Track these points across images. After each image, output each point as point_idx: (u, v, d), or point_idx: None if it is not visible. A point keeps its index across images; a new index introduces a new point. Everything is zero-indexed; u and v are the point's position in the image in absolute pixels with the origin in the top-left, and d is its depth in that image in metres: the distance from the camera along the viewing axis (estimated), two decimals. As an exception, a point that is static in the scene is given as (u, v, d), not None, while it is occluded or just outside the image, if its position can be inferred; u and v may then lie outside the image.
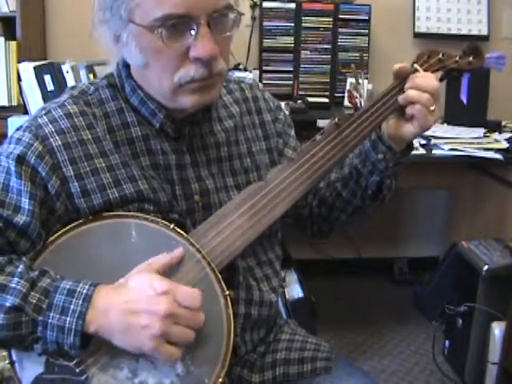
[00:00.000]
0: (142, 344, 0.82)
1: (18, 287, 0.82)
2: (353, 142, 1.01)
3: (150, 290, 0.82)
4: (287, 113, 2.25)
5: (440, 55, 1.06)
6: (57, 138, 0.92)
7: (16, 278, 0.82)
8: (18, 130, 0.94)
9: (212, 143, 1.03)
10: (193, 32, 0.87)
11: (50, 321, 0.81)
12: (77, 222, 0.91)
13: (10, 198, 0.89)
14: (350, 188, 1.10)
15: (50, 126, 0.93)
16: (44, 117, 0.94)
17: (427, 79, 1.00)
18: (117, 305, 0.82)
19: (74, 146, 0.92)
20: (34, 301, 0.82)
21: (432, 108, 0.98)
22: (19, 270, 0.84)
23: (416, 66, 1.03)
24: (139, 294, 0.82)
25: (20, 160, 0.89)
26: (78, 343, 0.81)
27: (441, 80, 1.07)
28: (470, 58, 1.07)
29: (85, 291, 0.82)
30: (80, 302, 0.82)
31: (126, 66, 0.99)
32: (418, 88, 0.98)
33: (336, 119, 1.00)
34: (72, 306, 0.81)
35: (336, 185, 1.13)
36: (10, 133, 0.98)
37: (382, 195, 1.09)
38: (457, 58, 1.07)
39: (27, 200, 0.88)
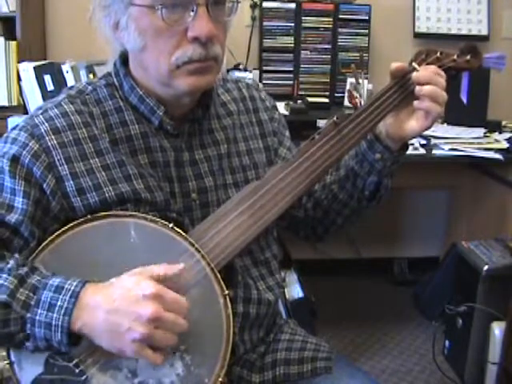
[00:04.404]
0: (124, 347, 0.81)
1: (6, 284, 0.81)
2: (351, 140, 1.01)
3: (137, 291, 0.81)
4: (287, 113, 2.28)
5: (438, 54, 1.05)
6: (52, 136, 0.92)
7: (4, 275, 0.82)
8: (13, 129, 0.94)
9: (211, 141, 1.04)
10: (192, 13, 0.88)
11: (37, 318, 0.81)
12: (75, 222, 0.90)
13: (4, 197, 0.89)
14: (347, 190, 1.10)
15: (46, 124, 0.93)
16: (40, 116, 0.94)
17: (442, 79, 1.00)
18: (103, 303, 0.81)
19: (70, 145, 0.92)
20: (23, 297, 0.81)
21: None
22: (9, 266, 0.83)
23: (414, 64, 1.03)
24: (126, 294, 0.81)
25: (15, 160, 0.89)
26: (66, 340, 0.81)
27: None
28: (468, 57, 1.07)
29: (72, 288, 0.82)
30: (67, 298, 0.81)
31: (124, 64, 1.00)
32: (439, 85, 0.99)
33: (334, 118, 1.00)
34: (59, 303, 0.81)
35: (332, 187, 1.12)
36: (9, 133, 0.97)
37: (379, 195, 1.09)
38: (454, 57, 1.06)
39: (21, 199, 0.88)
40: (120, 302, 0.81)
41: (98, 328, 0.81)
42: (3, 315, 0.81)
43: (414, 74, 1.00)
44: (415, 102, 1.00)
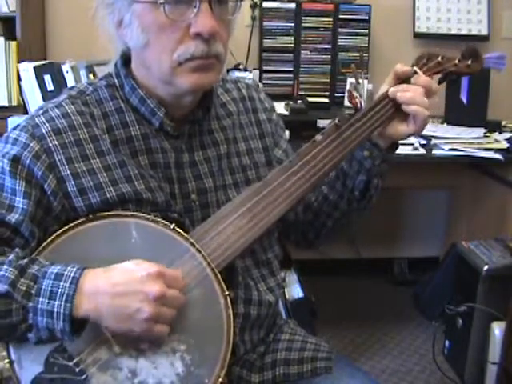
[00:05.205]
0: (134, 327, 0.82)
1: (7, 274, 0.82)
2: (353, 143, 1.01)
3: (141, 271, 0.83)
4: (287, 113, 2.28)
5: (439, 58, 1.06)
6: (54, 137, 0.92)
7: (5, 266, 0.82)
8: (14, 129, 0.94)
9: (210, 142, 1.04)
10: (194, 9, 0.89)
11: (39, 306, 0.81)
12: (76, 221, 0.90)
13: (4, 197, 0.89)
14: (337, 190, 1.10)
15: (47, 125, 0.93)
16: (41, 116, 0.94)
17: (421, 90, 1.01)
18: (105, 287, 0.82)
19: (71, 146, 0.93)
20: (24, 287, 0.82)
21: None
22: (9, 258, 0.84)
23: (415, 68, 1.04)
24: (130, 276, 0.83)
25: (15, 160, 0.90)
26: (68, 328, 0.81)
27: (439, 83, 1.09)
28: (469, 62, 1.08)
29: (72, 274, 0.82)
30: (67, 285, 0.81)
31: (125, 65, 1.00)
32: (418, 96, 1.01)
33: (336, 120, 1.00)
34: (60, 290, 0.81)
35: (322, 188, 1.12)
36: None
37: (369, 194, 1.09)
38: (456, 62, 1.07)
39: (21, 199, 0.89)
40: (125, 285, 0.82)
41: (105, 312, 0.82)
42: (5, 305, 0.81)
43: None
44: (403, 106, 1.01)
